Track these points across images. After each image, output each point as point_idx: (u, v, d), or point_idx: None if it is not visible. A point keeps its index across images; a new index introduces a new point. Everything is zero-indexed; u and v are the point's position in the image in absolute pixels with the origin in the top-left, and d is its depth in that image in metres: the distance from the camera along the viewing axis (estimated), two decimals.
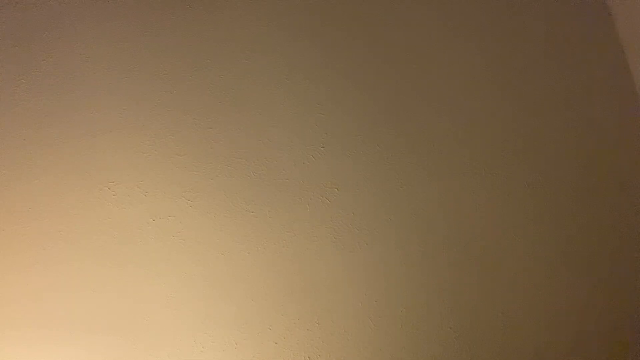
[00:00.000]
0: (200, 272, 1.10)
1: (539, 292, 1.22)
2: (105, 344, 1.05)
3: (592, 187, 1.27)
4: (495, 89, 1.26)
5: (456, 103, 1.24)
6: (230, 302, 1.10)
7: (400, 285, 1.17)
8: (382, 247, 1.17)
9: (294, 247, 1.13)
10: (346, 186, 1.17)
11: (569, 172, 1.26)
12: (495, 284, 1.21)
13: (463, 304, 1.19)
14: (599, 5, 1.32)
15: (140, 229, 1.09)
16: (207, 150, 1.13)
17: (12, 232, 1.05)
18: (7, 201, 1.05)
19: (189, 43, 1.15)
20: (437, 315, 1.18)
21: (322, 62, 1.20)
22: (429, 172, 1.21)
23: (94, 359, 1.04)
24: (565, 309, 1.23)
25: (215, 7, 1.17)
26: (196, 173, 1.12)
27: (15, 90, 1.08)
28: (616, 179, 1.28)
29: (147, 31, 1.13)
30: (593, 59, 1.31)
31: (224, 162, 1.13)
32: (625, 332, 1.24)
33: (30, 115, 1.08)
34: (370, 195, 1.18)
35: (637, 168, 1.28)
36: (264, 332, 1.10)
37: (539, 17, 1.30)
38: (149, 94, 1.12)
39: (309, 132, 1.17)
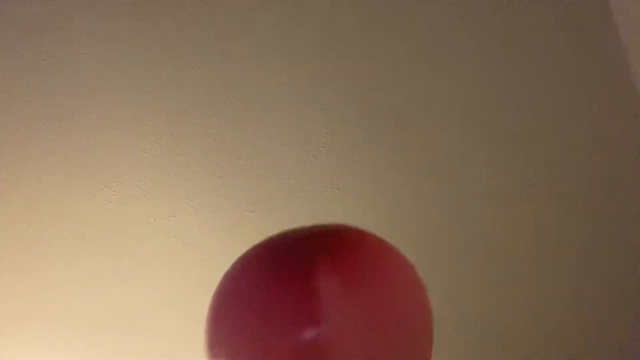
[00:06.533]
0: (201, 272, 1.10)
1: (539, 293, 1.22)
2: (105, 343, 1.05)
3: (593, 186, 1.26)
4: (495, 89, 1.26)
5: (457, 103, 1.24)
6: None
7: None
8: None
9: None
10: (346, 186, 1.17)
11: (569, 171, 1.26)
12: (495, 284, 1.21)
13: (463, 304, 1.19)
14: (600, 5, 1.32)
15: (141, 229, 1.09)
16: (207, 150, 1.13)
17: (12, 233, 1.05)
18: (7, 201, 1.05)
19: (189, 43, 1.15)
20: (437, 316, 1.17)
21: (322, 62, 1.20)
22: (429, 172, 1.21)
23: (94, 359, 1.05)
24: (566, 309, 1.23)
25: (215, 7, 1.17)
26: (196, 173, 1.12)
27: (15, 90, 1.08)
28: (617, 179, 1.28)
29: (148, 31, 1.13)
30: (594, 60, 1.30)
31: (224, 162, 1.13)
32: (627, 332, 1.24)
33: (30, 115, 1.08)
34: (370, 195, 1.18)
35: (638, 168, 1.28)
36: None
37: (539, 18, 1.29)
38: (149, 94, 1.12)
39: (309, 132, 1.17)
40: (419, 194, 1.20)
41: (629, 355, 1.23)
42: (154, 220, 1.09)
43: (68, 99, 1.09)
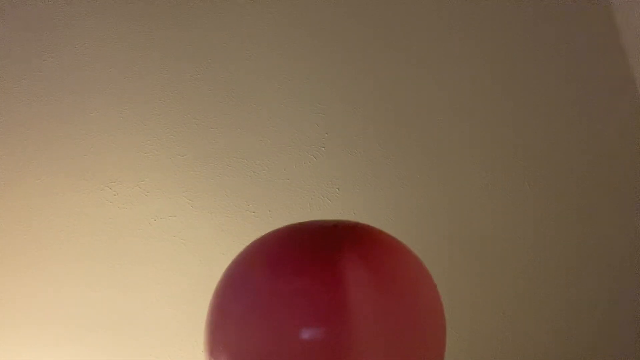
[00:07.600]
0: (201, 272, 1.10)
1: (540, 293, 1.22)
2: (105, 344, 1.05)
3: (594, 187, 1.26)
4: (496, 89, 1.26)
5: (457, 103, 1.24)
6: None
7: None
8: None
9: None
10: (347, 186, 1.17)
11: (570, 172, 1.26)
12: (496, 284, 1.21)
13: (464, 304, 1.19)
14: (600, 5, 1.32)
15: (141, 229, 1.09)
16: (207, 150, 1.13)
17: (13, 233, 1.05)
18: (8, 201, 1.05)
19: (190, 43, 1.15)
20: None
21: (323, 61, 1.20)
22: (430, 172, 1.21)
23: (93, 359, 1.05)
24: (566, 310, 1.22)
25: (215, 7, 1.17)
26: (197, 173, 1.12)
27: (15, 90, 1.08)
28: (618, 180, 1.27)
29: (148, 31, 1.14)
30: (594, 60, 1.30)
31: (224, 162, 1.13)
32: (628, 333, 1.24)
33: (30, 115, 1.08)
34: (371, 195, 1.18)
35: (638, 168, 1.28)
36: None
37: (539, 19, 1.29)
38: (149, 93, 1.12)
39: (309, 132, 1.17)
40: (419, 193, 1.20)
41: (629, 355, 1.23)
42: (154, 220, 1.09)
43: (68, 100, 1.09)
